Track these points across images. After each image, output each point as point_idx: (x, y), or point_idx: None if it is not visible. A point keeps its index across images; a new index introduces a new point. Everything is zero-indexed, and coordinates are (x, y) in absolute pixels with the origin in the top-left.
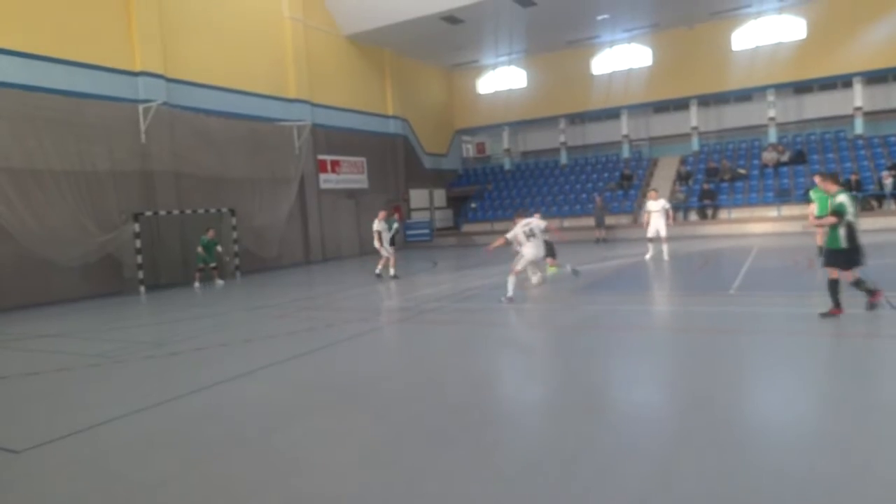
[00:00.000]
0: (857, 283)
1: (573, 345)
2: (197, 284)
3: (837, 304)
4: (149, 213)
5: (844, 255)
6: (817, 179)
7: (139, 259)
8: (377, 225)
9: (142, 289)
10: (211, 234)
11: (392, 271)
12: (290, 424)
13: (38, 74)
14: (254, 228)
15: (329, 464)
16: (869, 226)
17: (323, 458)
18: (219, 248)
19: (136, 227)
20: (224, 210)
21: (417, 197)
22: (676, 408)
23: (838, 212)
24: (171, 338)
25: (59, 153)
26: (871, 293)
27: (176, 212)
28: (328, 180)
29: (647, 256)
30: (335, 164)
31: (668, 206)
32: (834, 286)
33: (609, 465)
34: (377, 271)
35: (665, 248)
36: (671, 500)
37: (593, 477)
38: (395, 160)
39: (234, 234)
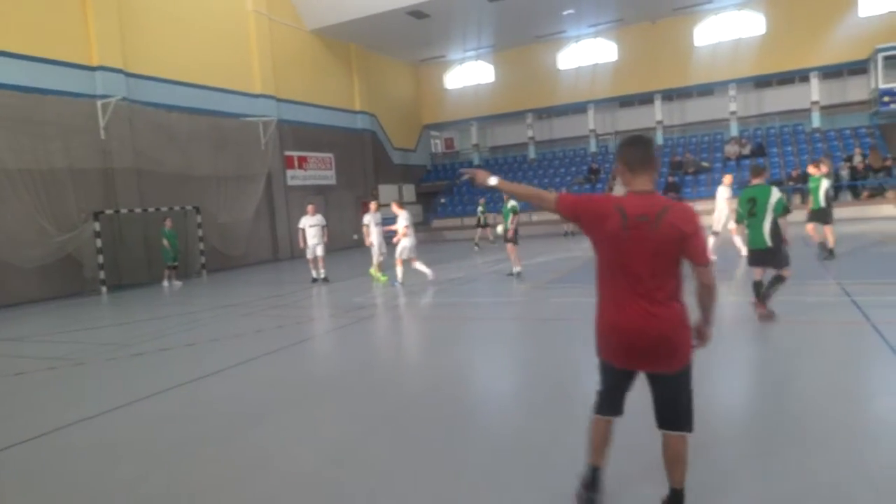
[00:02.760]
0: (759, 286)
1: (542, 337)
2: (166, 283)
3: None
4: (109, 212)
5: (770, 253)
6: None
7: (100, 259)
8: (367, 218)
9: (103, 289)
10: (169, 223)
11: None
12: (257, 423)
13: None
14: (219, 226)
15: (296, 462)
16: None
17: (290, 456)
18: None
19: (97, 226)
20: (189, 208)
21: (387, 192)
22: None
23: (783, 211)
24: (134, 339)
25: (14, 151)
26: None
27: (138, 210)
28: (295, 176)
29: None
30: (302, 160)
31: None
32: (765, 283)
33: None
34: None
35: None
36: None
37: (567, 468)
38: (363, 156)
39: (200, 232)
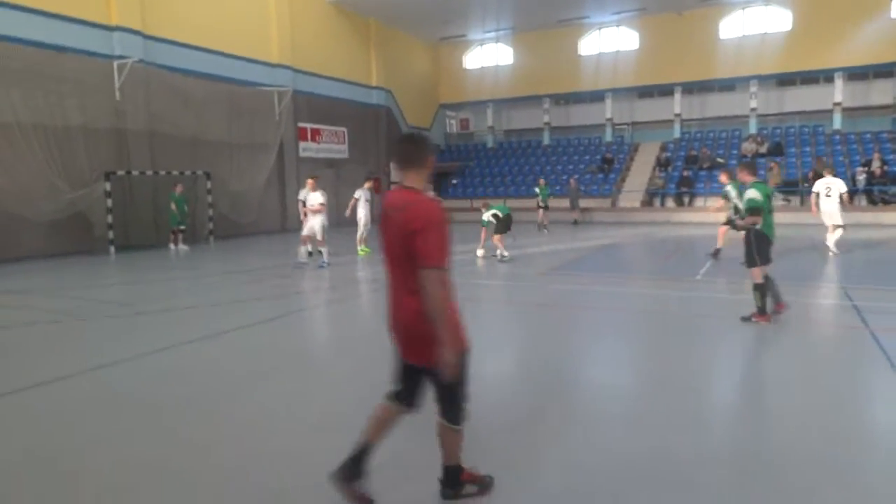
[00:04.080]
0: (761, 288)
1: (534, 321)
2: (172, 246)
3: (762, 310)
4: (121, 173)
5: (749, 255)
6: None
7: (109, 219)
8: (358, 193)
9: (112, 248)
10: (179, 189)
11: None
12: (250, 387)
13: (7, 23)
14: (230, 193)
15: (287, 425)
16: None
17: (280, 419)
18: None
19: (108, 185)
20: (199, 173)
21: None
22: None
23: (753, 208)
24: (137, 298)
25: (30, 106)
26: (777, 302)
27: (149, 172)
28: (308, 149)
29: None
30: (315, 132)
31: None
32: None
33: (560, 434)
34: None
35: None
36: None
37: (543, 442)
38: (376, 131)
39: (210, 198)
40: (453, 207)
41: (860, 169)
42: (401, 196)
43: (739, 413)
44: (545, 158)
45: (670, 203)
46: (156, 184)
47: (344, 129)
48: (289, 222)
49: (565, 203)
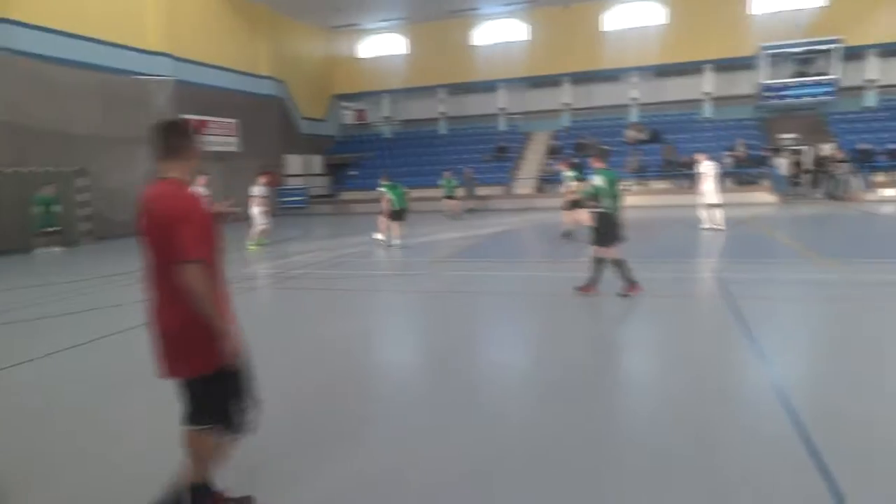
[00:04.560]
0: (618, 264)
1: (431, 309)
2: (41, 250)
3: (631, 282)
4: None
5: (597, 234)
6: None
7: None
8: (257, 190)
9: None
10: (48, 190)
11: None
12: (121, 394)
13: None
14: (107, 190)
15: (153, 433)
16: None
17: (148, 427)
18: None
19: None
20: (72, 169)
21: (294, 163)
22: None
23: (590, 195)
24: (6, 307)
25: None
26: (630, 284)
27: (12, 170)
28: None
29: None
30: (202, 124)
31: None
32: (614, 265)
33: (450, 418)
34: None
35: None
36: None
37: (435, 429)
38: (269, 123)
39: (85, 196)
40: (352, 199)
41: (727, 153)
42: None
43: (605, 379)
44: (442, 148)
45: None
46: (22, 181)
47: (234, 121)
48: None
49: (462, 192)
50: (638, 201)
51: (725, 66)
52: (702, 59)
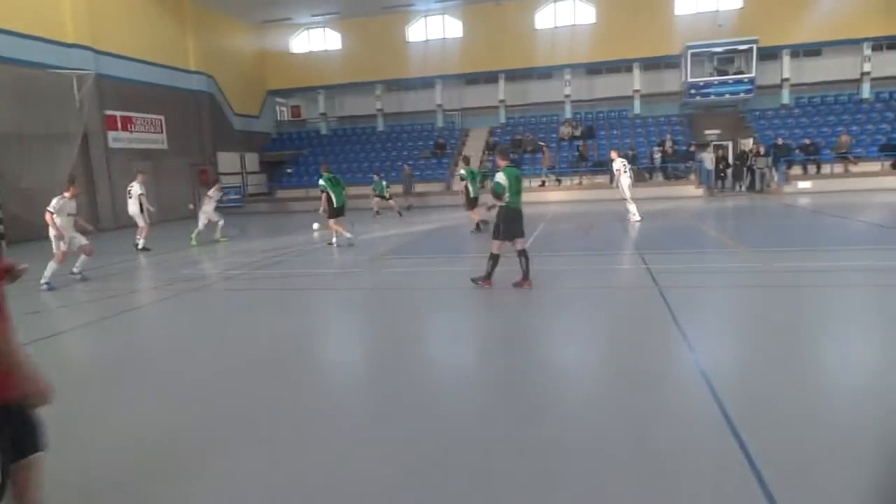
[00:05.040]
0: (494, 259)
1: (371, 305)
2: None
3: (489, 275)
4: None
5: (496, 228)
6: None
7: None
8: (139, 188)
9: None
10: None
11: (141, 242)
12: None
13: None
14: (23, 191)
15: (86, 440)
16: (641, 195)
17: (81, 434)
18: None
19: None
20: None
21: (227, 161)
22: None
23: (495, 192)
24: None
25: None
26: (487, 277)
27: None
28: (119, 139)
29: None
30: (127, 120)
31: None
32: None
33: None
34: (137, 242)
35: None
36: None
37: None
38: (199, 119)
39: None
40: (289, 197)
41: (656, 148)
42: None
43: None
44: (380, 145)
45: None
46: None
47: (161, 118)
48: (102, 221)
49: (401, 189)
50: (564, 196)
51: (653, 64)
52: (631, 57)
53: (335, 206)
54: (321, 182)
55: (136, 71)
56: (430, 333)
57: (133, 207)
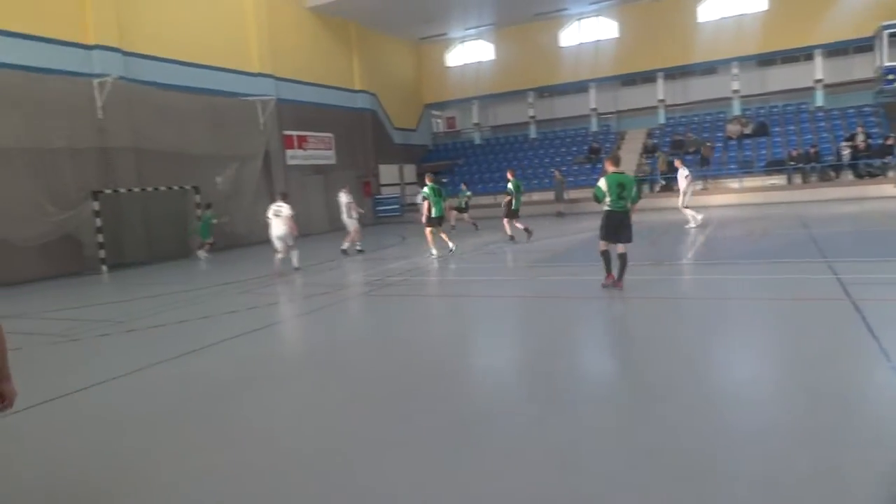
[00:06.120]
0: (603, 254)
1: (529, 313)
2: (202, 255)
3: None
4: (108, 191)
5: (601, 229)
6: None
7: (100, 238)
8: (344, 198)
9: (104, 268)
10: (207, 211)
11: (358, 246)
12: (236, 397)
13: None
14: (220, 206)
15: (268, 433)
16: (825, 196)
17: (263, 428)
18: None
19: (96, 205)
20: (188, 187)
21: (387, 172)
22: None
23: (595, 197)
24: (129, 316)
25: (11, 129)
26: (607, 274)
27: (137, 189)
28: (295, 156)
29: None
30: (302, 139)
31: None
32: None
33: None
34: (344, 247)
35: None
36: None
37: (530, 432)
38: (363, 135)
39: (198, 212)
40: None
41: (844, 144)
42: None
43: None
44: (532, 152)
45: (657, 189)
46: (145, 200)
47: (330, 135)
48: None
49: (551, 195)
50: (728, 200)
51: (839, 49)
52: (811, 44)
53: (433, 215)
54: (424, 190)
55: (310, 94)
56: (601, 342)
57: (344, 216)
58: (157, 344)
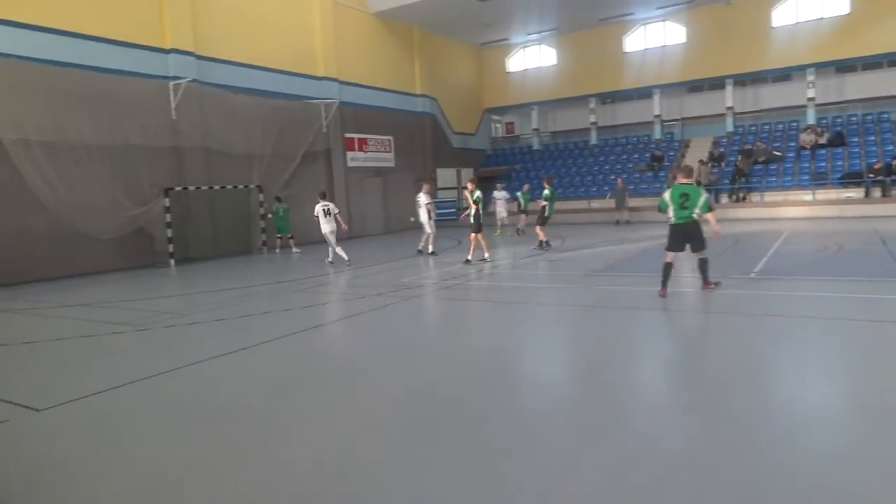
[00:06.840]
0: (665, 267)
1: (585, 322)
2: (277, 250)
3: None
4: (178, 189)
5: (669, 240)
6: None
7: (169, 233)
8: (424, 198)
9: (172, 262)
10: (282, 204)
11: (431, 248)
12: (288, 394)
13: (71, 51)
14: (293, 201)
15: (320, 433)
16: None
17: (314, 428)
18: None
19: (167, 201)
20: (252, 186)
21: (445, 176)
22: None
23: (658, 208)
24: (194, 308)
25: (93, 128)
26: (662, 287)
27: (205, 187)
28: (355, 158)
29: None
30: (362, 142)
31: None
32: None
33: (599, 435)
34: (420, 247)
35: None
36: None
37: (579, 448)
38: (422, 139)
39: (262, 210)
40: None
41: None
42: None
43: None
44: (592, 159)
45: (724, 199)
46: (211, 198)
47: (390, 138)
48: (340, 230)
49: (612, 203)
50: (800, 212)
51: None
52: (895, 50)
53: (546, 214)
54: (545, 193)
55: (371, 97)
56: (652, 354)
57: (422, 216)
58: (217, 337)
